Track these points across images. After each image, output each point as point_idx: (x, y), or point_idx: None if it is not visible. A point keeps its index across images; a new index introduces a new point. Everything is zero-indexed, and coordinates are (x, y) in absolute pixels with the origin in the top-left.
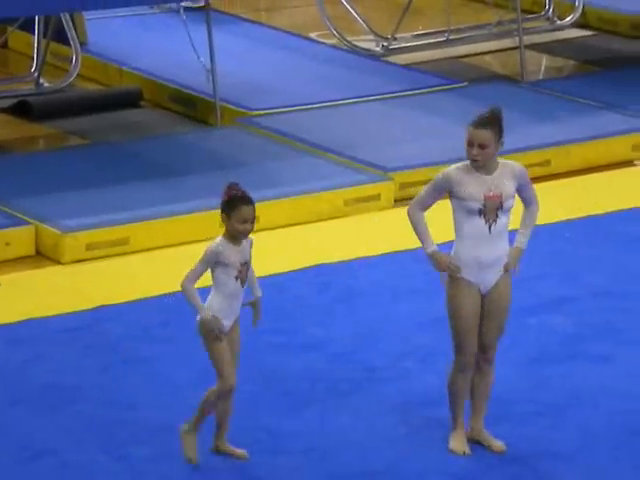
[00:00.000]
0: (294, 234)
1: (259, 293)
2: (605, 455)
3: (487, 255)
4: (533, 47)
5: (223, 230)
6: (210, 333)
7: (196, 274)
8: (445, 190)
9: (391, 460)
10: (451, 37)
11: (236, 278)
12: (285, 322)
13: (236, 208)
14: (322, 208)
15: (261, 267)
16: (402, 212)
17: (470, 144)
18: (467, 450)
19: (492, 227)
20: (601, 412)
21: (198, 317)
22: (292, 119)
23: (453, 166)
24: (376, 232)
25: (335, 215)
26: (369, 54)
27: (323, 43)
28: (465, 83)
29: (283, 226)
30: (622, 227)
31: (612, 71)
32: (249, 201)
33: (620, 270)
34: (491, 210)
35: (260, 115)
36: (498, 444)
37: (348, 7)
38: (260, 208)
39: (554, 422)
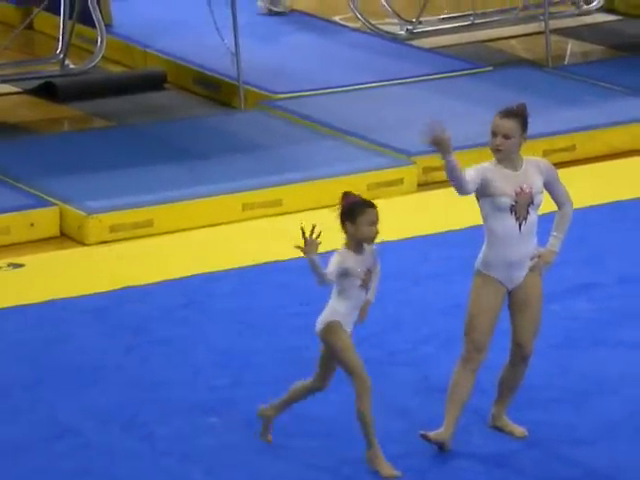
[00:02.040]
0: (317, 217)
1: (371, 298)
2: (626, 443)
3: (516, 255)
4: (559, 32)
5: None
6: (334, 337)
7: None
8: (480, 176)
9: (412, 444)
10: (476, 21)
11: (360, 287)
12: (309, 305)
13: (363, 212)
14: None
15: (284, 251)
16: (425, 196)
17: (494, 134)
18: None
19: (522, 225)
20: (623, 399)
21: (320, 324)
22: (316, 102)
23: (483, 163)
24: (399, 216)
25: None
26: (393, 38)
27: (347, 26)
28: (490, 67)
29: (306, 209)
30: None
31: (638, 56)
32: (372, 204)
33: None
34: (522, 206)
35: (284, 98)
36: (520, 430)
37: None
38: (283, 191)
39: (576, 409)
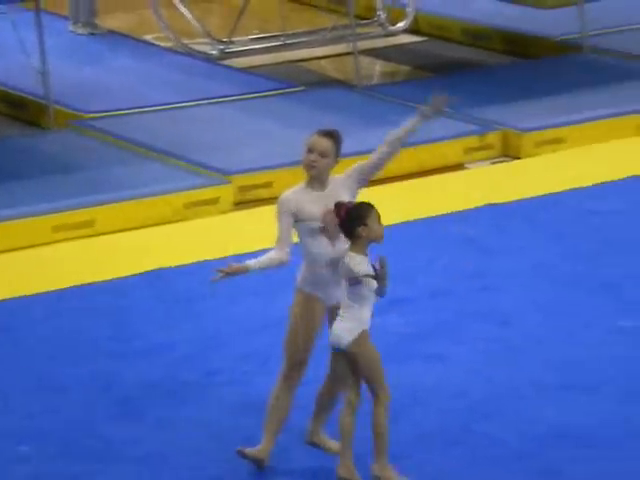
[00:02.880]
0: (133, 238)
1: None
2: (439, 454)
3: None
4: (367, 52)
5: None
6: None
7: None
8: (291, 212)
9: (231, 464)
10: (287, 41)
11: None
12: (124, 328)
13: (371, 212)
14: (161, 212)
15: (99, 272)
16: (241, 215)
17: (310, 150)
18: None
19: (336, 244)
20: (436, 411)
21: (349, 336)
22: (129, 122)
23: (287, 191)
24: (216, 235)
25: (174, 219)
26: (206, 57)
27: (160, 46)
28: (302, 87)
29: (121, 230)
30: (456, 228)
31: (444, 76)
32: (371, 204)
33: (454, 270)
34: (331, 226)
35: (95, 118)
36: (337, 445)
37: (183, 10)
38: (97, 212)
39: (392, 422)
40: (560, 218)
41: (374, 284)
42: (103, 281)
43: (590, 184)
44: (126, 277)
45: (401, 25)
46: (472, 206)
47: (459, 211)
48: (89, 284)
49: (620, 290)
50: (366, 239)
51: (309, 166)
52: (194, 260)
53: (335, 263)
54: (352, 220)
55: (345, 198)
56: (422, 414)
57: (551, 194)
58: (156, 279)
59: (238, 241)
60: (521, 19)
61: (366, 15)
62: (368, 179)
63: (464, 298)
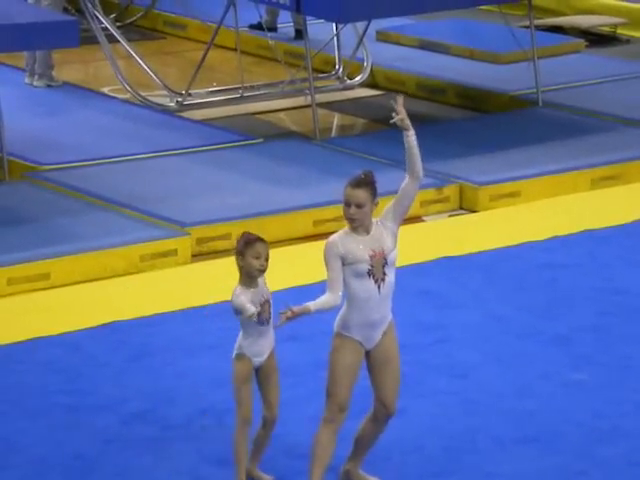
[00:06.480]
0: (88, 290)
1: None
2: None
3: (376, 315)
4: (325, 105)
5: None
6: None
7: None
8: (339, 255)
9: None
10: (245, 94)
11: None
12: (78, 382)
13: (250, 244)
14: (117, 264)
15: (53, 325)
16: (199, 267)
17: (347, 204)
18: None
19: (381, 287)
20: (392, 465)
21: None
22: (85, 174)
23: (333, 235)
24: (173, 288)
25: (131, 271)
26: (163, 109)
27: (116, 98)
28: (260, 139)
29: (77, 282)
30: (413, 281)
31: (397, 129)
32: (260, 238)
33: (412, 323)
34: (378, 269)
35: (51, 170)
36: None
37: (140, 62)
38: (52, 264)
39: None
40: (515, 271)
41: (247, 315)
42: (58, 334)
43: (545, 238)
44: (81, 330)
45: (358, 79)
46: (429, 259)
47: (416, 263)
48: (44, 337)
49: (571, 343)
50: (242, 269)
51: (349, 220)
52: (150, 313)
53: (380, 306)
54: (236, 250)
55: (387, 241)
56: (380, 469)
57: (506, 247)
58: (111, 332)
59: (196, 293)
60: (476, 74)
61: (324, 69)
62: (403, 214)
63: (422, 351)
